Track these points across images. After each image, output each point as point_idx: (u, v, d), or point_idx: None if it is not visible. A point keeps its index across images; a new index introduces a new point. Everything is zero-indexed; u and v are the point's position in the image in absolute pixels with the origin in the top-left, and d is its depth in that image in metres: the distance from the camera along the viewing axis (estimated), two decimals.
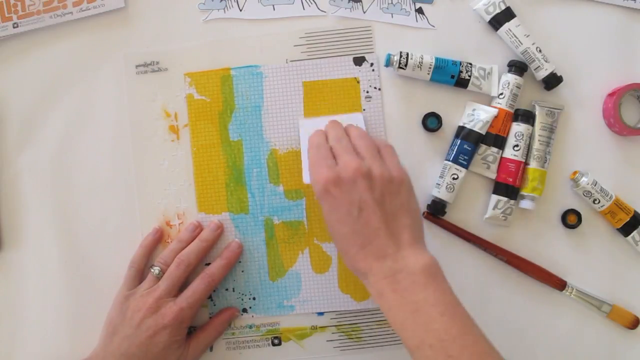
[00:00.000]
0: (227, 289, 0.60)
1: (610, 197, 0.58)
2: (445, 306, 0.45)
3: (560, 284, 0.59)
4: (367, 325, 0.59)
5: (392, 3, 0.61)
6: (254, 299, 0.59)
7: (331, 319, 0.59)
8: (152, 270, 0.57)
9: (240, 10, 0.61)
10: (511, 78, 0.59)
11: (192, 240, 0.58)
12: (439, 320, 0.44)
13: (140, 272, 0.58)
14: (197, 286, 0.56)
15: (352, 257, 0.48)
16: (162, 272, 0.56)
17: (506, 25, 0.59)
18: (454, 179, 0.58)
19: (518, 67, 0.59)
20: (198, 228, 0.59)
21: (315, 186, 0.49)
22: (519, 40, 0.58)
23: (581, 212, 0.59)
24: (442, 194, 0.58)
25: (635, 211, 0.59)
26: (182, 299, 0.55)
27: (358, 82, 0.60)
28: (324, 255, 0.59)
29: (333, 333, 0.59)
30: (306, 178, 0.54)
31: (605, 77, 0.60)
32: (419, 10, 0.61)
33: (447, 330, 0.44)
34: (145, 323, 0.53)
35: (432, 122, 0.60)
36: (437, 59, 0.59)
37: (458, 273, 0.59)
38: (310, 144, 0.53)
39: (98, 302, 0.58)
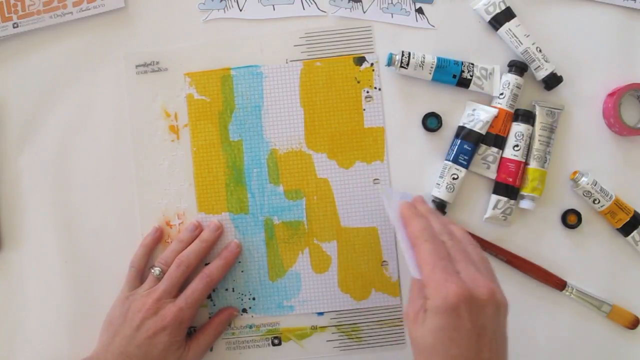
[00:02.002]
0: (226, 289, 0.60)
1: (610, 197, 0.58)
2: None
3: (560, 284, 0.59)
4: (367, 325, 0.59)
5: (392, 3, 0.61)
6: (253, 299, 0.59)
7: (331, 319, 0.59)
8: (152, 271, 0.57)
9: (240, 10, 0.61)
10: (511, 78, 0.59)
11: (192, 240, 0.58)
12: None
13: (141, 272, 0.58)
14: (196, 286, 0.56)
15: None
16: (163, 272, 0.56)
17: (506, 25, 0.59)
18: (454, 179, 0.58)
19: (518, 67, 0.59)
20: (198, 228, 0.59)
21: (441, 294, 0.43)
22: (519, 40, 0.58)
23: (581, 212, 0.59)
24: (442, 194, 0.58)
25: (635, 211, 0.59)
26: (181, 299, 0.55)
27: (358, 82, 0.60)
28: (323, 255, 0.59)
29: (333, 333, 0.59)
30: (415, 272, 0.45)
31: (605, 77, 0.60)
32: (419, 10, 0.61)
33: None
34: (145, 324, 0.53)
35: (432, 122, 0.60)
36: (439, 59, 0.58)
37: None
38: (415, 227, 0.47)
39: (98, 302, 0.58)
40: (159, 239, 0.60)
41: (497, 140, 0.59)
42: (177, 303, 0.54)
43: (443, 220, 0.50)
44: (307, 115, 0.60)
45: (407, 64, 0.58)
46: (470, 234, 0.58)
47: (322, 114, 0.60)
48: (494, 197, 0.59)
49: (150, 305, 0.54)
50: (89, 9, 0.60)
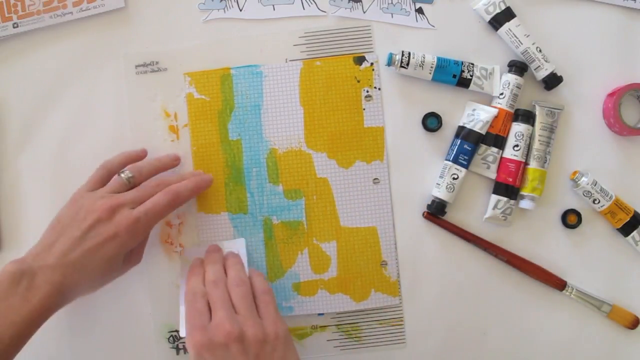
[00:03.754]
0: None
1: (610, 197, 0.58)
2: None
3: (560, 284, 0.59)
4: (367, 325, 0.59)
5: (392, 3, 0.61)
6: None
7: (331, 318, 0.59)
8: (122, 174, 0.53)
9: (240, 10, 0.61)
10: (511, 78, 0.59)
11: (171, 164, 0.57)
12: None
13: (110, 178, 0.55)
14: (159, 199, 0.51)
15: None
16: (133, 178, 0.53)
17: (506, 25, 0.59)
18: (454, 179, 0.58)
19: (518, 67, 0.59)
20: (178, 159, 0.58)
21: (189, 348, 0.47)
22: (519, 40, 0.58)
23: (581, 212, 0.59)
24: (442, 194, 0.58)
25: (635, 211, 0.59)
26: (140, 209, 0.50)
27: (358, 81, 0.60)
28: (323, 256, 0.59)
29: (333, 332, 0.59)
30: (182, 331, 0.51)
31: (605, 77, 0.60)
32: (419, 10, 0.61)
33: None
34: (95, 228, 0.49)
35: (432, 122, 0.60)
36: (439, 59, 0.58)
37: (458, 273, 0.59)
38: (186, 287, 0.51)
39: (97, 301, 0.58)
40: (142, 154, 0.58)
41: (497, 140, 0.59)
42: (134, 213, 0.50)
43: (220, 266, 0.52)
44: (307, 114, 0.60)
45: (407, 64, 0.58)
46: (470, 234, 0.59)
47: (321, 114, 0.60)
48: (494, 197, 0.58)
49: (108, 207, 0.49)
50: (89, 9, 0.60)
